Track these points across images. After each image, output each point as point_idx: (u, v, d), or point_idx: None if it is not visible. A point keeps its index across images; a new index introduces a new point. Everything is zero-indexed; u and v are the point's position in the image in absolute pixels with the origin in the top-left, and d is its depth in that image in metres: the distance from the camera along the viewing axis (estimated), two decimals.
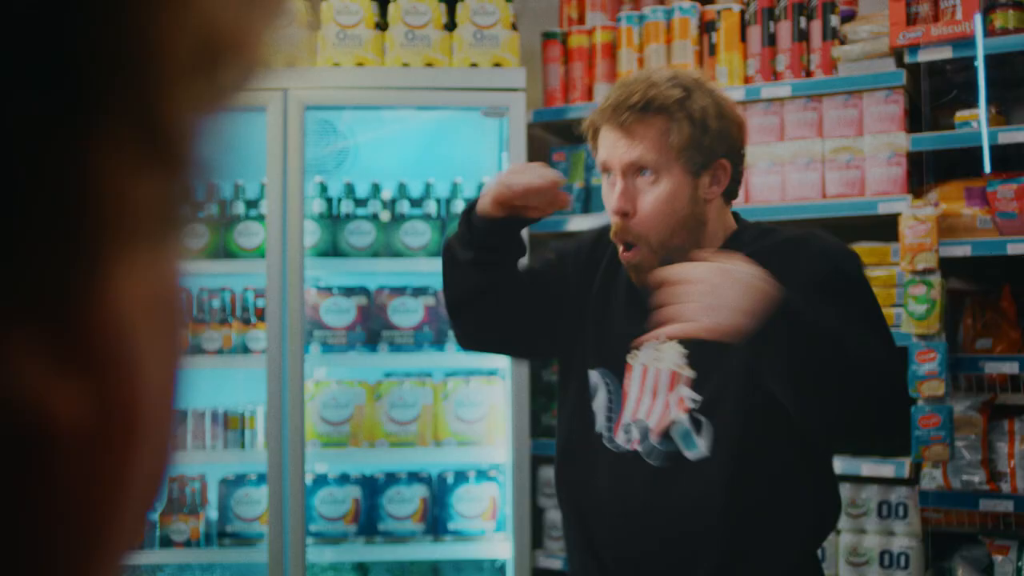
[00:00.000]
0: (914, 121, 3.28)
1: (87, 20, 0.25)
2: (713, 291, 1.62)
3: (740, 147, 1.93)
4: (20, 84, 0.25)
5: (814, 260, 1.82)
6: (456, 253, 2.00)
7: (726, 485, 1.80)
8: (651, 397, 1.88)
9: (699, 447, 1.82)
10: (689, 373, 1.85)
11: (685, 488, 1.82)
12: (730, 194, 1.93)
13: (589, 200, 3.72)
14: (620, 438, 1.89)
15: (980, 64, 3.09)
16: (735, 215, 1.99)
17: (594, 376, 1.94)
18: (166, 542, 3.55)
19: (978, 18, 3.06)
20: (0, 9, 0.24)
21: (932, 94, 3.25)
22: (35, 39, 0.25)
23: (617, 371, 1.92)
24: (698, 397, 1.83)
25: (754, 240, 1.91)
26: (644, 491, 1.85)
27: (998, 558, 3.05)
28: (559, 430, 2.03)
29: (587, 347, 1.96)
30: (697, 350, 1.85)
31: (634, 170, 1.86)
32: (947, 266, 3.08)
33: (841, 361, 1.66)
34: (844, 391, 1.67)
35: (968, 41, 3.08)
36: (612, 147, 1.87)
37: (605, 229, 1.99)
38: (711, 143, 1.86)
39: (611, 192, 1.89)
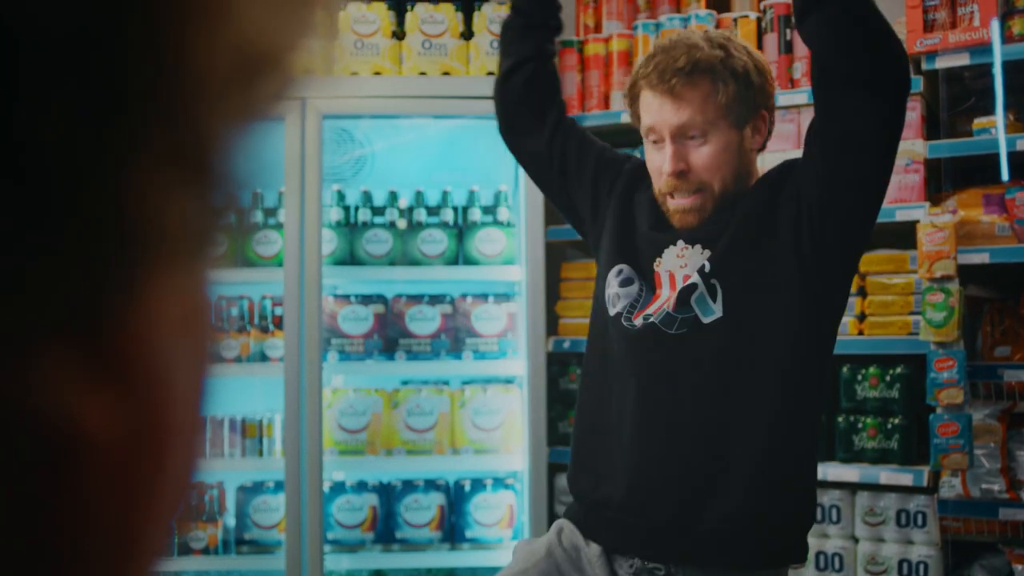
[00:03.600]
0: (931, 128, 3.27)
1: (125, 37, 0.26)
2: None
3: (774, 98, 2.05)
4: (58, 101, 0.25)
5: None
6: (507, 21, 2.25)
7: (739, 338, 1.89)
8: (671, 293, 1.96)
9: (714, 311, 1.90)
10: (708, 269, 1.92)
11: (701, 346, 1.90)
12: (762, 146, 2.05)
13: None
14: (638, 322, 1.96)
15: (997, 71, 3.08)
16: None
17: (630, 273, 2.00)
18: (185, 549, 3.57)
19: (995, 24, 3.05)
20: (37, 28, 0.25)
21: (950, 101, 3.24)
22: (72, 56, 0.25)
23: (646, 275, 1.99)
24: (708, 264, 1.91)
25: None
26: (661, 356, 1.93)
27: (1018, 567, 3.03)
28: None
29: (614, 244, 2.04)
30: (721, 253, 1.93)
31: (683, 133, 1.94)
32: (965, 273, 3.07)
33: None
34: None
35: (985, 48, 3.07)
36: (659, 111, 1.95)
37: (634, 160, 2.16)
38: (754, 97, 1.97)
39: (656, 154, 1.97)
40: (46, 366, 0.26)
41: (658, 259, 1.98)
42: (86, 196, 0.26)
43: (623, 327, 1.97)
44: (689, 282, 1.91)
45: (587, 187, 2.13)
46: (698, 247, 1.95)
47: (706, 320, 1.90)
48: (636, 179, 2.10)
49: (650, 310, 1.95)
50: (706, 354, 1.90)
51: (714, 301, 1.89)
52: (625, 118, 3.55)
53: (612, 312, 1.99)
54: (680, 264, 1.95)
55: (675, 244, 1.97)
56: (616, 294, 2.00)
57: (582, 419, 2.07)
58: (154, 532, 0.29)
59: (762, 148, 2.03)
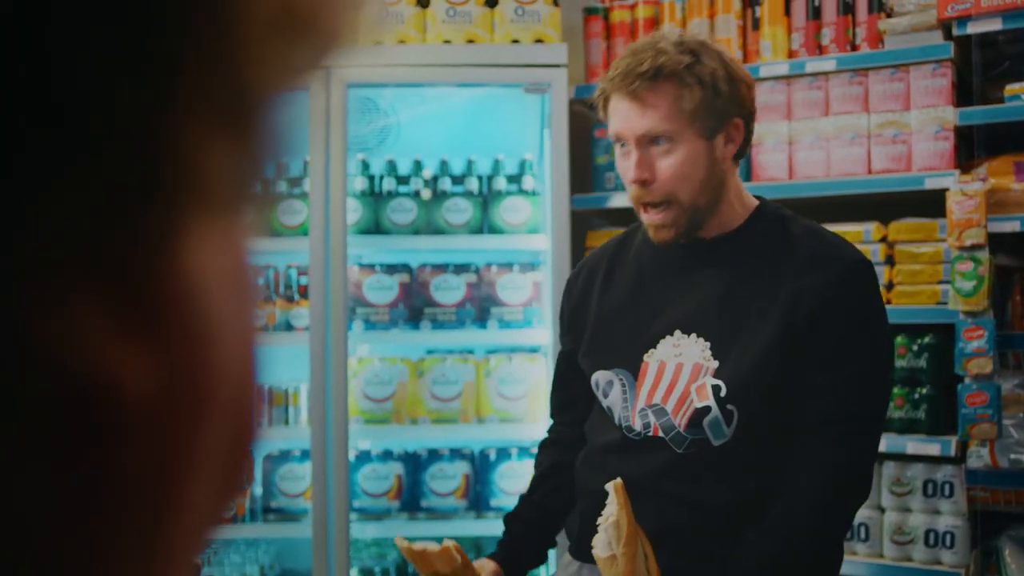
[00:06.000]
0: (962, 95, 3.23)
1: None
2: None
3: (751, 106, 1.95)
4: (97, 39, 0.24)
5: (830, 285, 1.84)
6: None
7: (748, 464, 1.84)
8: (667, 386, 1.89)
9: (727, 435, 1.85)
10: (713, 364, 1.87)
11: (707, 470, 1.86)
12: (740, 154, 1.96)
13: None
14: (637, 425, 1.91)
15: None
16: (757, 196, 2.02)
17: (607, 375, 1.95)
18: (222, 519, 3.59)
19: None
20: None
21: (983, 66, 3.19)
22: None
23: (632, 370, 1.94)
24: (724, 387, 1.85)
25: (771, 230, 1.93)
26: (665, 473, 1.88)
27: None
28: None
29: (596, 352, 1.99)
30: (720, 341, 1.87)
31: (648, 139, 1.87)
32: (995, 242, 3.03)
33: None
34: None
35: (1019, 12, 3.02)
36: (624, 117, 1.88)
37: (591, 257, 2.12)
38: (724, 105, 1.88)
39: (625, 161, 1.91)
40: (77, 315, 0.25)
41: (651, 350, 1.92)
42: (123, 138, 0.25)
43: (627, 437, 1.92)
44: (703, 403, 1.85)
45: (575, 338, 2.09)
46: (694, 336, 1.89)
47: (716, 443, 1.85)
48: (597, 270, 2.07)
49: (642, 404, 1.90)
50: (709, 476, 1.85)
51: (728, 426, 1.84)
52: None
53: (616, 421, 1.95)
54: (675, 354, 1.90)
55: (671, 335, 1.91)
56: (609, 406, 1.96)
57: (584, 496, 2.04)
58: (200, 499, 0.28)
59: (740, 156, 1.96)
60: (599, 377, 1.97)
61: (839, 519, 1.87)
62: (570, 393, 2.12)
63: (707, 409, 1.85)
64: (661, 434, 1.88)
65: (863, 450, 1.86)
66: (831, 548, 1.90)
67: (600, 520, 1.72)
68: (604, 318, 2.01)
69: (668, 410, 1.88)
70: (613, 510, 1.70)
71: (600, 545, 1.71)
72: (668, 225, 1.90)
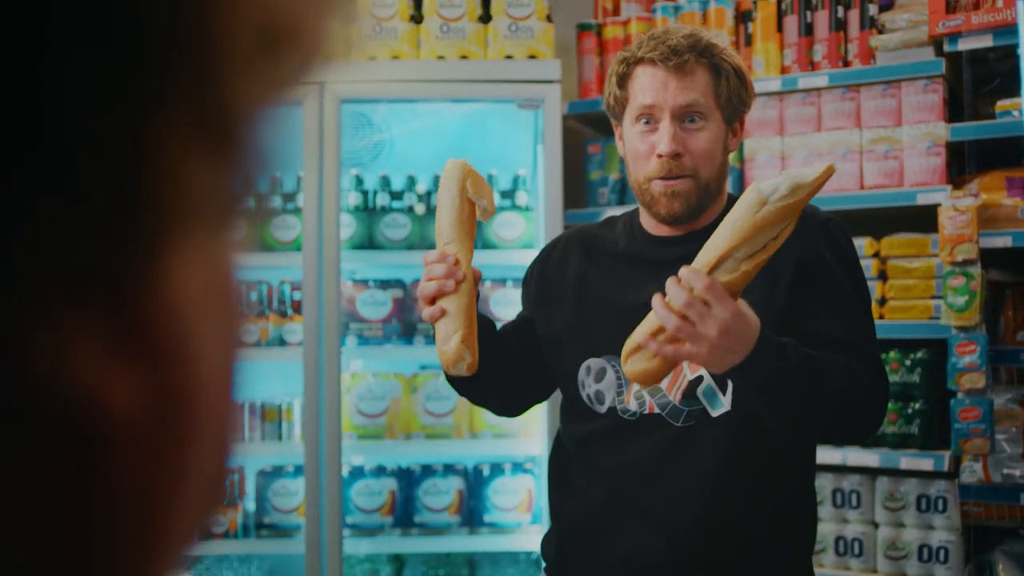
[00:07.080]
0: (953, 111, 3.25)
1: (152, 2, 0.25)
2: (726, 338, 1.61)
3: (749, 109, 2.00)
4: (83, 60, 0.24)
5: (812, 234, 1.86)
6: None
7: (748, 433, 1.83)
8: None
9: (723, 403, 1.84)
10: None
11: (708, 440, 1.84)
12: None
13: (625, 191, 3.71)
14: (633, 406, 1.88)
15: (1022, 52, 3.05)
16: None
17: (599, 362, 1.92)
18: (205, 533, 3.58)
19: (1020, 5, 3.02)
20: None
21: (974, 83, 3.21)
22: (99, 14, 0.24)
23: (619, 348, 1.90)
24: None
25: None
26: (667, 449, 1.86)
27: None
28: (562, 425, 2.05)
29: (583, 339, 1.96)
30: None
31: (684, 114, 1.89)
32: (987, 257, 3.05)
33: (823, 393, 1.73)
34: (826, 418, 1.78)
35: (1010, 29, 3.04)
36: (662, 89, 1.88)
37: (566, 239, 2.09)
38: (745, 96, 1.94)
39: (646, 137, 1.90)
40: (62, 337, 0.25)
41: None
42: (110, 158, 0.25)
43: (621, 419, 1.88)
44: (696, 374, 1.84)
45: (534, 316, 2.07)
46: None
47: (714, 413, 1.84)
48: (569, 256, 2.04)
49: (636, 387, 1.87)
50: (711, 447, 1.83)
51: (723, 394, 1.83)
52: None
53: (603, 409, 1.91)
54: None
55: None
56: (598, 392, 1.92)
57: (566, 508, 2.00)
58: (184, 515, 0.29)
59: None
60: (591, 364, 1.93)
61: (866, 405, 1.82)
62: (513, 340, 2.07)
63: (699, 379, 1.84)
64: (657, 410, 1.87)
65: (882, 376, 1.85)
66: (853, 416, 1.83)
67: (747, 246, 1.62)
68: (587, 307, 1.97)
69: (662, 386, 1.86)
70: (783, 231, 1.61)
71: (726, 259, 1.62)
72: (684, 195, 1.88)
